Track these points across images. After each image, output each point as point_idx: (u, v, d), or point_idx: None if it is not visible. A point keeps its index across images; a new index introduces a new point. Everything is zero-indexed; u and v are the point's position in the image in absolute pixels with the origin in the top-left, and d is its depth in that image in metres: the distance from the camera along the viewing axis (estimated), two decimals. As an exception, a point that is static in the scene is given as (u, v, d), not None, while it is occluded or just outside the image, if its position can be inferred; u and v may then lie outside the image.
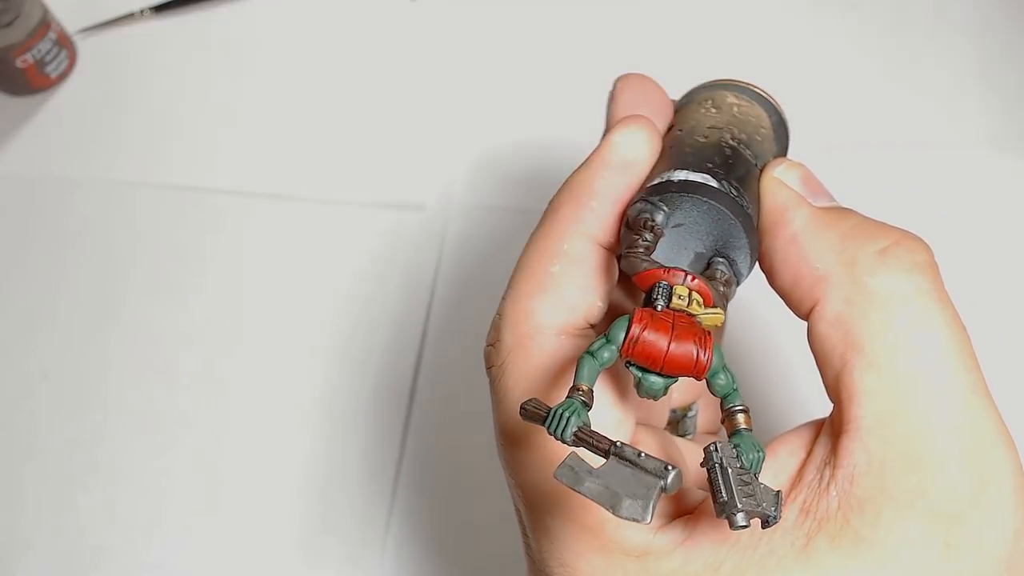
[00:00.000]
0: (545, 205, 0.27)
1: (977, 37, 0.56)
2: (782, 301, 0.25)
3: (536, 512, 0.24)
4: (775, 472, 0.23)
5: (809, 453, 0.23)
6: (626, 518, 0.18)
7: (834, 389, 0.23)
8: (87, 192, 0.56)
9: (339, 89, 0.58)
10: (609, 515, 0.23)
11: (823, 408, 0.25)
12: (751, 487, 0.20)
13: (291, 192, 0.55)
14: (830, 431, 0.23)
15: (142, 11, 0.61)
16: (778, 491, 0.21)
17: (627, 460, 0.19)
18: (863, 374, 0.22)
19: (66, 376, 0.51)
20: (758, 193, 0.26)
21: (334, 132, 0.56)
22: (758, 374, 0.47)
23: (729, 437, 0.22)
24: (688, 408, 0.33)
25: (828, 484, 0.22)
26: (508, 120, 0.56)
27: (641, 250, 0.23)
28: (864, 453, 0.22)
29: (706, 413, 0.34)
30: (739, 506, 0.19)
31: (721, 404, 0.22)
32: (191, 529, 0.47)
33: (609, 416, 0.24)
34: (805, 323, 0.24)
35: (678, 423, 0.33)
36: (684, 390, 0.33)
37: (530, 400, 0.21)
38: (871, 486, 0.21)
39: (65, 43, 0.59)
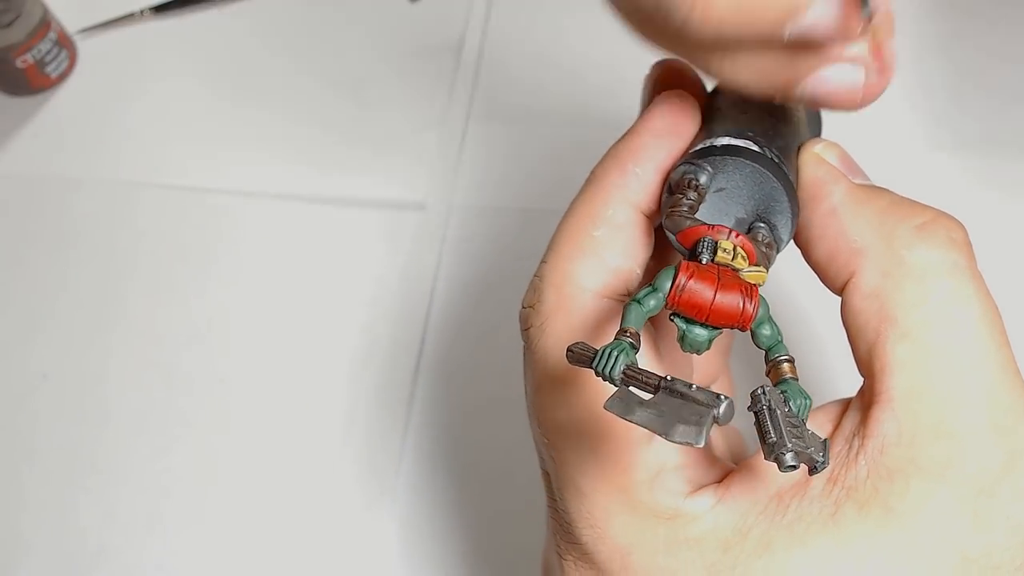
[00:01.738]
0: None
1: (977, 37, 0.56)
2: (816, 276, 0.26)
3: (568, 473, 0.24)
4: None
5: (837, 426, 0.24)
6: (679, 442, 0.18)
7: (866, 361, 0.23)
8: (88, 192, 0.56)
9: (339, 89, 0.58)
10: (642, 476, 0.23)
11: (849, 389, 0.25)
12: (799, 430, 0.20)
13: (291, 192, 0.55)
14: (859, 404, 0.24)
15: (142, 11, 0.61)
16: (825, 439, 0.21)
17: (678, 393, 0.19)
18: (896, 346, 0.23)
19: (67, 376, 0.51)
20: (796, 168, 0.26)
21: (334, 132, 0.56)
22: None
23: (775, 386, 0.22)
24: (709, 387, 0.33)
25: (857, 454, 0.22)
26: (509, 120, 0.56)
27: (685, 208, 0.24)
28: (894, 423, 0.22)
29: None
30: (789, 446, 0.19)
31: (766, 356, 0.22)
32: (191, 529, 0.47)
33: None
34: (837, 300, 0.25)
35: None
36: (700, 373, 0.33)
37: (577, 343, 0.21)
38: (901, 456, 0.22)
39: (65, 43, 0.59)
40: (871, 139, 0.52)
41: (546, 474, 0.26)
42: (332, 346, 0.50)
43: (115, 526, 0.47)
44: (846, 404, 0.24)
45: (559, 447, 0.25)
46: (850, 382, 0.25)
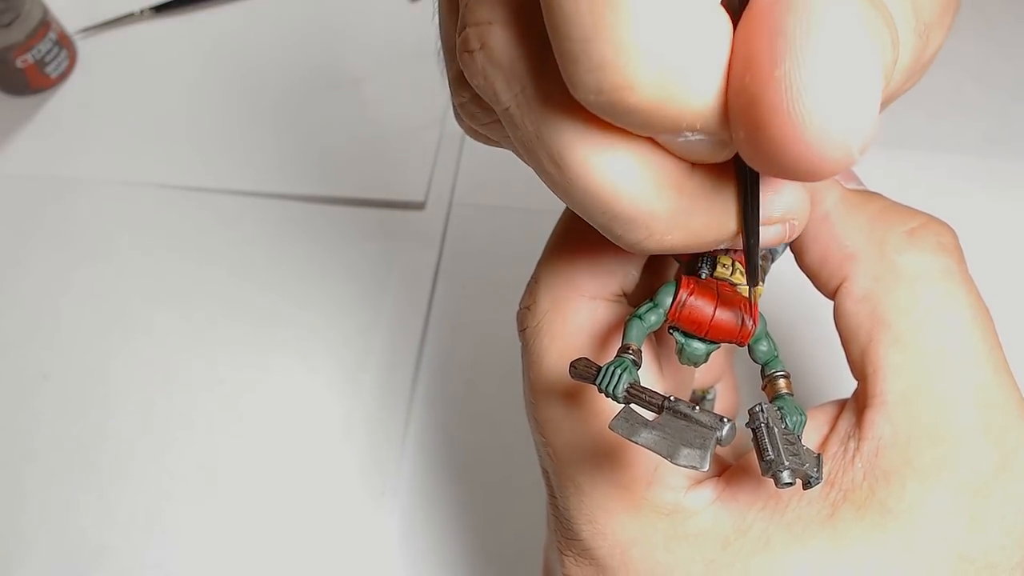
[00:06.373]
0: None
1: (976, 37, 0.56)
2: (809, 281, 0.26)
3: (567, 471, 0.25)
4: None
5: (832, 428, 0.24)
6: (684, 466, 0.18)
7: (859, 365, 0.24)
8: (87, 192, 0.56)
9: (339, 88, 0.58)
10: (641, 473, 0.23)
11: (843, 391, 0.25)
12: (795, 447, 0.20)
13: (291, 191, 0.55)
14: (854, 406, 0.24)
15: (142, 11, 0.61)
16: (819, 454, 0.21)
17: (681, 414, 0.19)
18: (889, 349, 0.23)
19: (67, 376, 0.51)
20: None
21: (334, 131, 0.56)
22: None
23: (771, 401, 0.22)
24: (707, 391, 0.33)
25: (853, 456, 0.23)
26: (508, 120, 0.56)
27: None
28: (889, 426, 0.22)
29: (723, 402, 0.34)
30: (785, 464, 0.19)
31: (762, 371, 0.23)
32: (191, 529, 0.47)
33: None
34: (830, 304, 0.25)
35: (697, 404, 0.33)
36: (704, 372, 0.33)
37: (579, 359, 0.21)
38: (896, 458, 0.22)
39: (65, 43, 0.59)
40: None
41: (545, 471, 0.26)
42: (332, 345, 0.50)
43: (115, 526, 0.47)
44: (842, 405, 0.25)
45: (557, 445, 0.25)
46: (848, 382, 0.25)
